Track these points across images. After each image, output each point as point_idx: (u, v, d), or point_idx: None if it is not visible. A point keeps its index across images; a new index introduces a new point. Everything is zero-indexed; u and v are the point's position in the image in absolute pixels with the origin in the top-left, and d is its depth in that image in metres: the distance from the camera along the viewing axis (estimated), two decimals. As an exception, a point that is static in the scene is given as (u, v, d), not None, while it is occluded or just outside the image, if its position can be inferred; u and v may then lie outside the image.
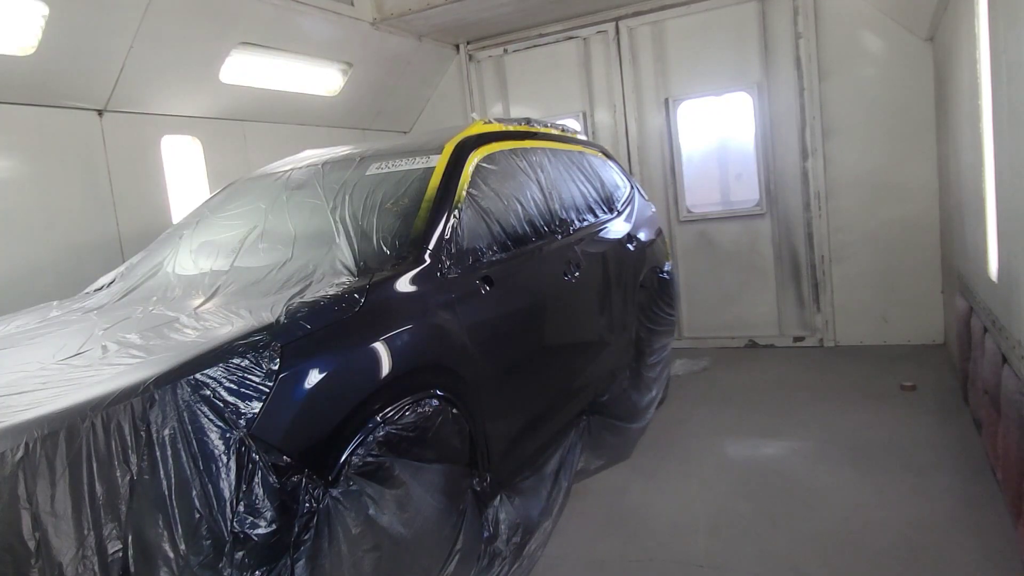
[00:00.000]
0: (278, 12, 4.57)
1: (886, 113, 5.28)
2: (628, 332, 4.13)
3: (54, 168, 3.87)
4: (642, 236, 4.50)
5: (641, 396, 4.20)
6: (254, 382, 1.76)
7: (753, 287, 5.92)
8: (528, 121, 3.97)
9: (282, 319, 1.98)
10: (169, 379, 1.66)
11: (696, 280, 6.13)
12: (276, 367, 1.81)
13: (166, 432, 1.61)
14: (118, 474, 1.57)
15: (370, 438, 2.00)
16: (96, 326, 2.35)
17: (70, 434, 1.56)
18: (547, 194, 3.62)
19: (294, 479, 1.74)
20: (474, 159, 3.14)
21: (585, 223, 3.90)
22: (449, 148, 3.11)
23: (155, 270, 3.02)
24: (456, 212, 2.81)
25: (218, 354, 1.77)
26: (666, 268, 4.83)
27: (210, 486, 1.61)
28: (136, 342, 2.05)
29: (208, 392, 1.68)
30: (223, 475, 1.63)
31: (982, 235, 3.10)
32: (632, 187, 4.89)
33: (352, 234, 2.71)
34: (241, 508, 1.63)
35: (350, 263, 2.54)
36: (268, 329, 1.91)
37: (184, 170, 4.70)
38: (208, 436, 1.64)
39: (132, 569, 1.54)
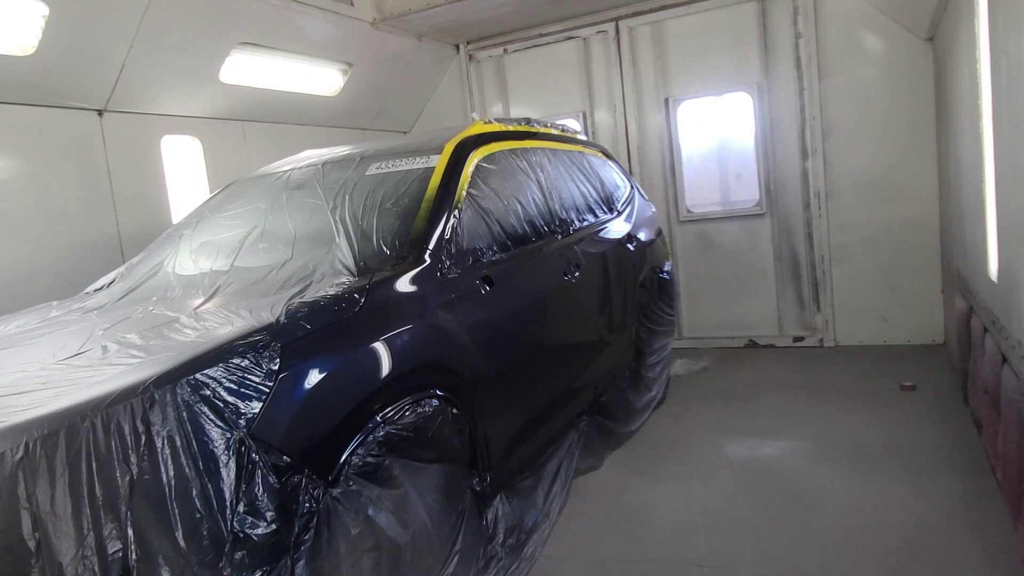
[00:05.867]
0: (278, 12, 4.57)
1: (886, 113, 5.28)
2: (628, 332, 4.13)
3: (54, 168, 3.87)
4: (642, 236, 4.50)
5: (638, 398, 4.20)
6: (254, 382, 1.76)
7: (753, 287, 5.92)
8: (528, 121, 3.97)
9: (282, 319, 1.98)
10: (169, 379, 1.66)
11: (696, 280, 6.13)
12: (276, 367, 1.81)
13: (166, 432, 1.61)
14: (118, 474, 1.56)
15: (370, 438, 2.00)
16: (96, 326, 2.35)
17: (70, 434, 1.56)
18: (547, 194, 3.62)
19: (294, 479, 1.74)
20: (474, 159, 3.14)
21: (585, 223, 3.90)
22: (449, 148, 3.11)
23: (155, 270, 3.02)
24: (456, 212, 2.81)
25: (218, 354, 1.77)
26: (666, 268, 4.83)
27: (210, 486, 1.61)
28: (136, 342, 2.05)
29: (208, 392, 1.68)
30: (223, 475, 1.63)
31: (982, 235, 3.10)
32: (632, 187, 4.89)
33: (352, 234, 2.71)
34: (241, 508, 1.63)
35: (350, 263, 2.54)
36: (268, 329, 1.91)
37: (184, 170, 4.70)
38: (208, 436, 1.64)
39: (132, 569, 1.54)
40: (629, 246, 4.27)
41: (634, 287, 4.25)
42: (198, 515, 1.59)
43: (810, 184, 5.56)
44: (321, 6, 4.86)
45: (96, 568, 1.52)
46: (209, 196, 3.69)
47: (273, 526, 1.66)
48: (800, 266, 5.75)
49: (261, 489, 1.67)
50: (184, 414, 1.63)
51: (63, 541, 1.52)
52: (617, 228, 4.25)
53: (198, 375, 1.69)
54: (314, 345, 1.97)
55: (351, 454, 1.94)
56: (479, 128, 3.41)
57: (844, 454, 3.63)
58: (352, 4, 5.19)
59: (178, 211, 4.47)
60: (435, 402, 2.30)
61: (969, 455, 3.45)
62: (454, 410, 2.38)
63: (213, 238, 3.11)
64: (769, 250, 5.83)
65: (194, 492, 1.59)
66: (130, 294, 2.84)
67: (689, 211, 6.08)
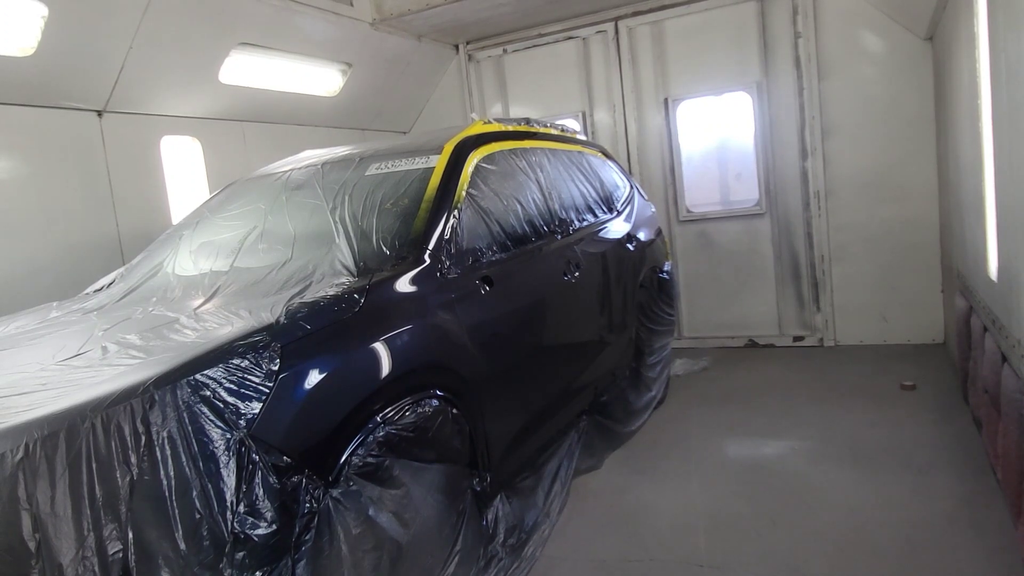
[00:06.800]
0: (277, 12, 4.57)
1: (886, 113, 5.28)
2: (628, 332, 4.13)
3: (54, 168, 3.87)
4: (642, 236, 4.51)
5: (638, 398, 4.20)
6: (254, 382, 1.76)
7: (753, 287, 5.93)
8: (528, 121, 3.97)
9: (282, 319, 1.98)
10: (169, 380, 1.66)
11: (696, 280, 6.13)
12: (276, 367, 1.81)
13: (166, 433, 1.61)
14: (118, 475, 1.56)
15: (370, 438, 2.00)
16: (96, 327, 2.35)
17: (70, 435, 1.56)
18: (547, 194, 3.62)
19: (294, 479, 1.74)
20: (474, 159, 3.14)
21: (585, 223, 3.90)
22: (449, 148, 3.11)
23: (155, 271, 3.03)
24: (456, 212, 2.81)
25: (218, 355, 1.77)
26: (666, 268, 4.83)
27: (210, 487, 1.61)
28: (136, 343, 2.05)
29: (208, 393, 1.68)
30: (223, 476, 1.63)
31: (982, 234, 3.10)
32: (632, 187, 4.89)
33: (352, 234, 2.71)
34: (241, 509, 1.63)
35: (350, 263, 2.54)
36: (268, 329, 1.91)
37: (184, 170, 4.70)
38: (208, 437, 1.64)
39: (132, 570, 1.54)
40: (629, 246, 4.28)
41: (634, 287, 4.25)
42: (198, 516, 1.59)
43: (810, 184, 5.56)
44: (320, 6, 4.86)
45: (96, 569, 1.52)
46: (209, 197, 3.69)
47: (273, 526, 1.66)
48: (800, 266, 5.75)
49: (261, 489, 1.67)
50: (184, 415, 1.63)
51: (63, 542, 1.52)
52: (617, 228, 4.25)
53: (198, 376, 1.69)
54: (314, 345, 1.97)
55: (351, 454, 1.94)
56: (479, 128, 3.41)
57: (844, 453, 3.63)
58: (351, 4, 5.19)
59: (178, 212, 4.47)
60: (435, 402, 2.30)
61: (969, 455, 3.45)
62: (454, 410, 2.38)
63: (213, 239, 3.11)
64: (769, 250, 5.83)
65: (194, 493, 1.60)
66: (130, 295, 2.84)
67: (689, 211, 6.08)
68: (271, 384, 1.78)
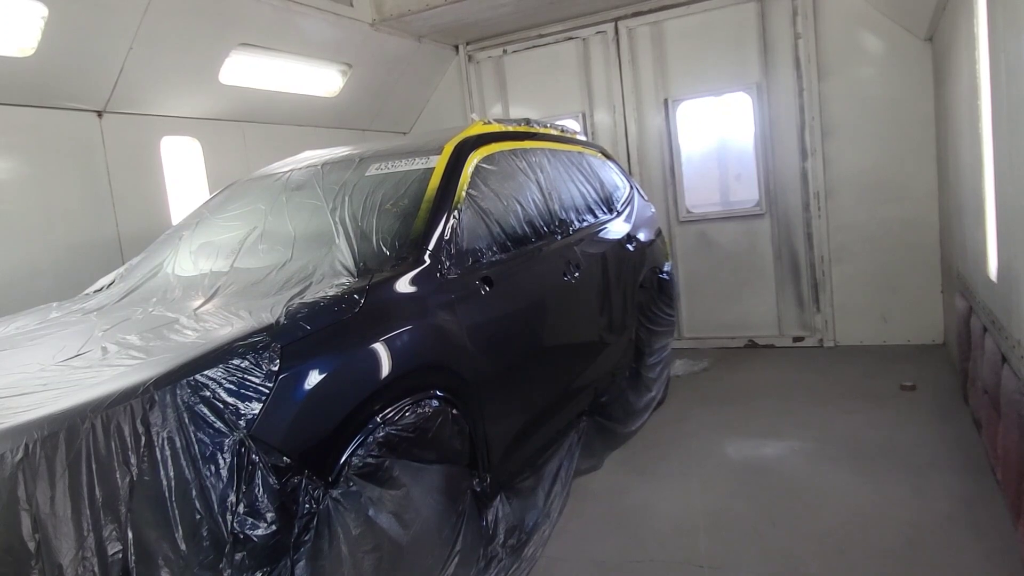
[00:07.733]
0: (277, 13, 4.57)
1: (885, 113, 5.28)
2: (628, 332, 4.13)
3: (54, 169, 3.87)
4: (642, 236, 4.51)
5: (638, 398, 4.20)
6: (254, 383, 1.76)
7: (753, 287, 5.93)
8: (528, 122, 3.97)
9: (282, 320, 1.98)
10: (169, 380, 1.66)
11: (696, 280, 6.13)
12: (276, 368, 1.81)
13: (166, 433, 1.61)
14: (118, 475, 1.56)
15: (370, 439, 2.00)
16: (96, 327, 2.35)
17: (70, 435, 1.56)
18: (546, 195, 3.62)
19: (294, 480, 1.74)
20: (474, 160, 3.15)
21: (585, 223, 3.90)
22: (449, 149, 3.11)
23: (155, 271, 3.03)
24: (456, 213, 2.81)
25: (218, 355, 1.77)
26: (666, 268, 4.83)
27: (210, 487, 1.61)
28: (136, 343, 2.05)
29: (208, 393, 1.68)
30: (223, 476, 1.63)
31: (981, 235, 3.10)
32: (631, 187, 4.89)
33: (352, 235, 2.71)
34: (241, 509, 1.63)
35: (350, 264, 2.54)
36: (268, 330, 1.91)
37: (184, 171, 4.70)
38: (208, 437, 1.64)
39: (132, 571, 1.54)
40: (629, 246, 4.28)
41: (634, 287, 4.25)
42: (198, 516, 1.59)
43: (809, 184, 5.56)
44: (320, 7, 4.86)
45: (96, 569, 1.52)
46: (209, 197, 3.69)
47: (273, 527, 1.67)
48: (800, 266, 5.75)
49: (261, 490, 1.67)
50: (184, 415, 1.63)
51: (63, 542, 1.52)
52: (617, 228, 4.25)
53: (198, 376, 1.69)
54: (314, 346, 1.97)
55: (351, 455, 1.94)
56: (479, 129, 3.41)
57: (844, 454, 3.63)
58: (351, 5, 5.19)
59: (178, 212, 4.47)
60: (435, 403, 2.30)
61: (969, 455, 3.45)
62: (454, 411, 2.38)
63: (213, 239, 3.11)
64: (769, 250, 5.83)
65: (194, 493, 1.60)
66: (130, 295, 2.84)
67: (689, 211, 6.08)
68: (271, 385, 1.78)
